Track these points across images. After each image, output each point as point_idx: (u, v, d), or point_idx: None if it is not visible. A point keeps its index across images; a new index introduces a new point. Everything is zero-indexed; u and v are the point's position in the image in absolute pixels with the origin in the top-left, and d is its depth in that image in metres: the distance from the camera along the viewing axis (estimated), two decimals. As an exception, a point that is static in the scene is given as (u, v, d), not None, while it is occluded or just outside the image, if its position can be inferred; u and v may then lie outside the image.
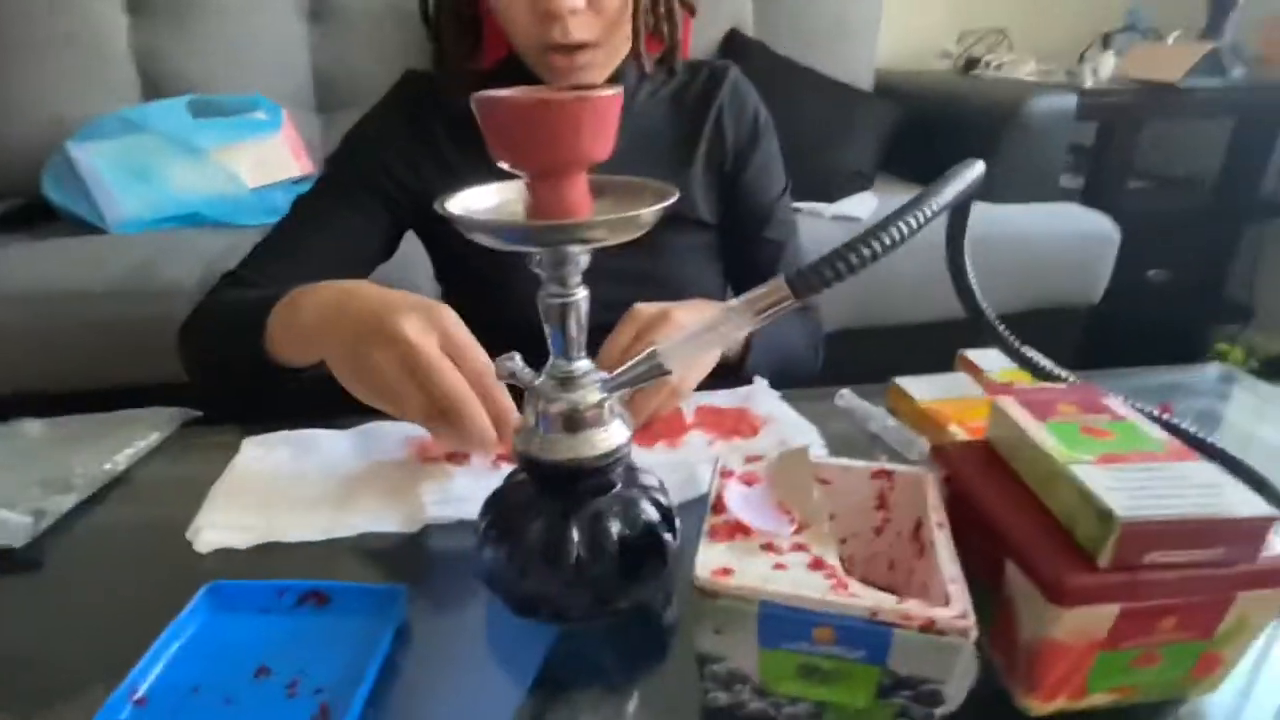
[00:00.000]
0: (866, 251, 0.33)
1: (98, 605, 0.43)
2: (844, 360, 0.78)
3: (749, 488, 0.37)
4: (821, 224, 1.35)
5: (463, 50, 0.69)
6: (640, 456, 0.53)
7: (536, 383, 0.38)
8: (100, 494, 0.52)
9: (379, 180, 0.73)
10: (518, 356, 0.39)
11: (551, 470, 0.38)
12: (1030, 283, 1.40)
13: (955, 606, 0.29)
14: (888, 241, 0.34)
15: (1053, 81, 1.72)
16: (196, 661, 0.37)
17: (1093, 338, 1.54)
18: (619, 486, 0.40)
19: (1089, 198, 1.69)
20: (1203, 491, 0.31)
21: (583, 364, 0.38)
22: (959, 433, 0.54)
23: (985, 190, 0.44)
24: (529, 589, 0.39)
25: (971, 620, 0.29)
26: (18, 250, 1.22)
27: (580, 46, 0.64)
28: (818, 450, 0.55)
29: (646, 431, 0.57)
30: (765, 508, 0.35)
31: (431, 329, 0.46)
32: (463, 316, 0.87)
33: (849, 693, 0.32)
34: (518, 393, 0.39)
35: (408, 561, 0.46)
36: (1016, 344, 0.50)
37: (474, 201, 0.37)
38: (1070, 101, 1.51)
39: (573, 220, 0.33)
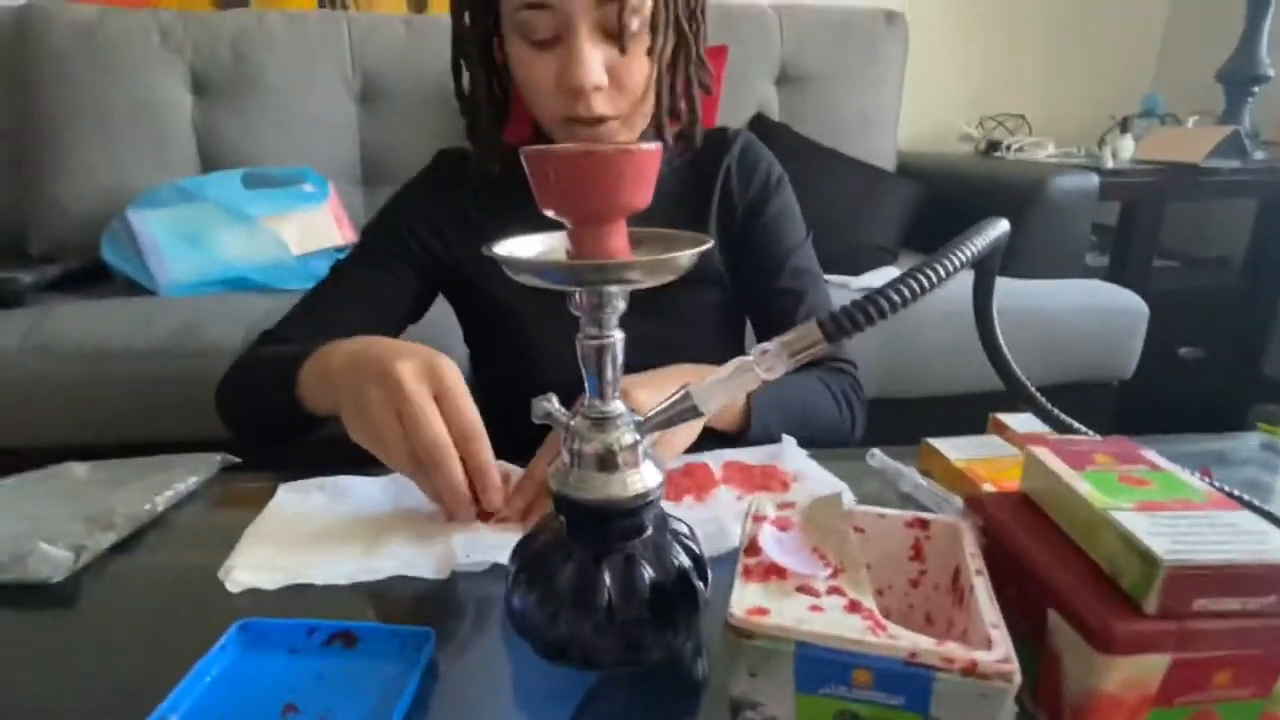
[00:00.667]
0: (897, 297, 0.34)
1: (130, 641, 0.43)
2: (873, 430, 0.78)
3: (783, 532, 0.37)
4: (847, 296, 1.36)
5: (493, 125, 0.74)
6: (668, 510, 0.53)
7: (572, 423, 0.39)
8: (139, 533, 0.53)
9: (410, 247, 0.77)
10: (554, 397, 0.40)
11: (584, 509, 0.38)
12: (1060, 358, 1.40)
13: (998, 650, 0.29)
14: (918, 287, 0.35)
15: (1073, 163, 1.75)
16: (225, 697, 0.37)
17: (1126, 414, 1.52)
18: (650, 531, 0.40)
19: (1114, 277, 1.69)
20: (1249, 539, 0.30)
21: (617, 405, 0.39)
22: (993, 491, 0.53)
23: (1011, 267, 0.46)
24: (559, 634, 0.38)
25: (1015, 665, 0.28)
26: (70, 308, 1.28)
27: (602, 120, 0.67)
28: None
29: (673, 486, 0.57)
30: (800, 552, 0.35)
31: (426, 377, 0.48)
32: (489, 378, 0.89)
33: (889, 743, 0.30)
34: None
35: (437, 605, 0.46)
36: (1047, 404, 0.50)
37: (517, 250, 0.39)
38: (1093, 181, 1.54)
39: (614, 260, 0.34)
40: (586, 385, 0.38)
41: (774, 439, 0.65)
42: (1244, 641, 0.30)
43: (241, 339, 1.18)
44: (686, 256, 0.34)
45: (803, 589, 0.33)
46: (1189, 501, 0.33)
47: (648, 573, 0.38)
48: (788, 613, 0.31)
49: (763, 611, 0.31)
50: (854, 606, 0.32)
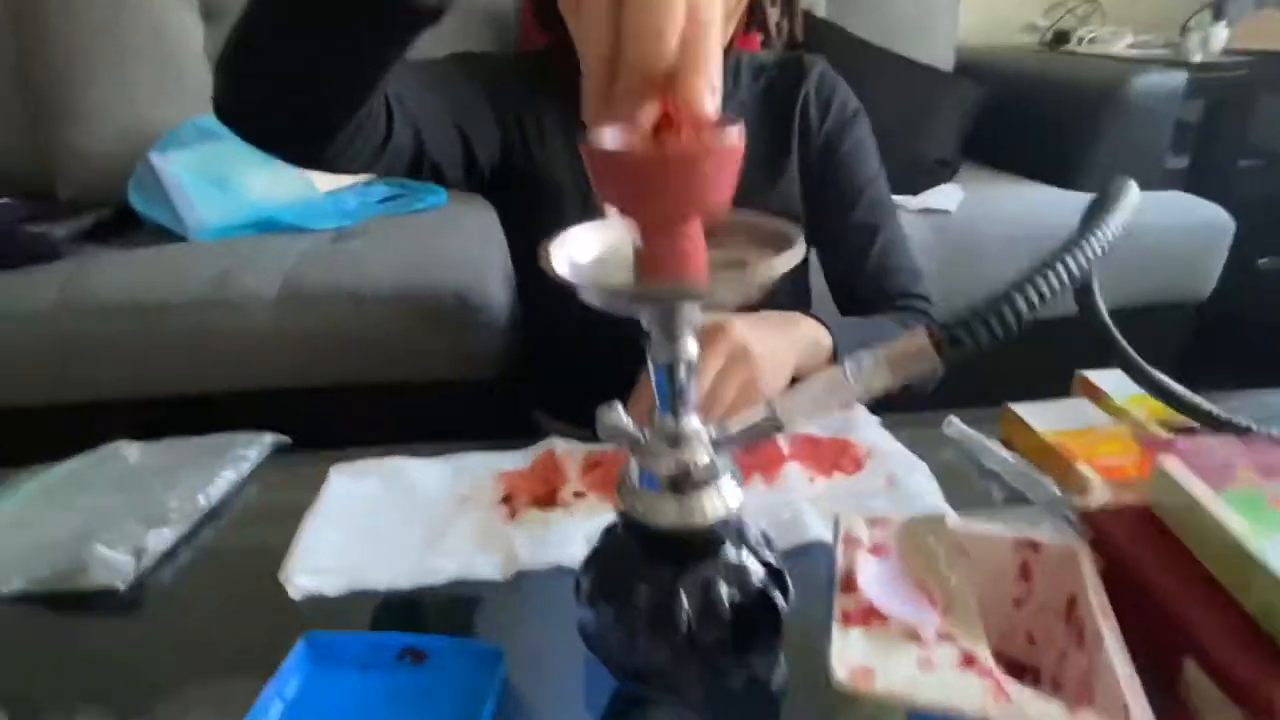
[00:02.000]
0: (1024, 305, 0.30)
1: (193, 646, 0.43)
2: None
3: (879, 560, 0.34)
4: (907, 219, 1.28)
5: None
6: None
7: (643, 441, 0.35)
8: (195, 529, 0.52)
9: (498, 101, 0.69)
10: (619, 406, 0.36)
11: (656, 537, 0.35)
12: (1135, 279, 1.30)
13: (1140, 726, 0.26)
14: (1049, 289, 0.30)
15: (1154, 56, 1.59)
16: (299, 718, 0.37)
17: (1201, 336, 1.43)
18: (726, 544, 0.38)
19: (1194, 179, 1.56)
20: None
21: (692, 422, 0.35)
22: (1088, 472, 0.49)
23: (1080, 179, 0.40)
24: (638, 659, 0.36)
25: (1161, 745, 0.25)
26: (106, 260, 1.26)
27: None
28: (931, 491, 0.51)
29: (741, 465, 0.54)
30: (901, 586, 0.32)
31: None
32: (539, 309, 0.83)
33: (1005, 808, 0.28)
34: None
35: (503, 612, 0.44)
36: (1152, 371, 0.45)
37: (579, 242, 0.34)
38: (1178, 80, 1.39)
39: (684, 287, 0.30)
40: (658, 402, 0.35)
41: None
42: None
43: (278, 287, 1.16)
44: (769, 272, 0.29)
45: (909, 635, 0.30)
46: (1359, 538, 0.29)
47: (727, 595, 0.36)
48: (896, 671, 0.28)
49: (868, 672, 0.28)
50: (968, 660, 0.29)
